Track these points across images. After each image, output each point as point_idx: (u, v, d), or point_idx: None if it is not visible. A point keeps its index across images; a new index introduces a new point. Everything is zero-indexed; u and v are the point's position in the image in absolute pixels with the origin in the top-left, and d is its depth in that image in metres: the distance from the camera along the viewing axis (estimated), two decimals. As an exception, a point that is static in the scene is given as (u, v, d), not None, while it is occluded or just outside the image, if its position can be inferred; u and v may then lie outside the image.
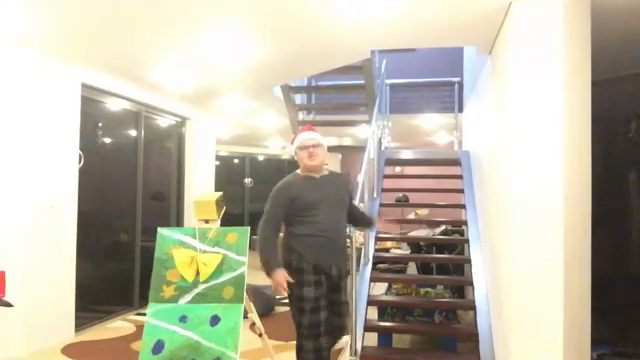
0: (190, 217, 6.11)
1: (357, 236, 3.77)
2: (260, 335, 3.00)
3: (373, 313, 4.27)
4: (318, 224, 2.71)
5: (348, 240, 3.00)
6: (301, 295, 2.68)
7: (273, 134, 8.90)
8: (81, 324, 4.48)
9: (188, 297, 2.64)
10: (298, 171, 2.87)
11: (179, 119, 6.22)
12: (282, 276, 2.61)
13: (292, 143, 2.89)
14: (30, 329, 3.85)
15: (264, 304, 4.97)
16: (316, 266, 2.69)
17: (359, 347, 3.48)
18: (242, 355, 2.66)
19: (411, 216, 7.73)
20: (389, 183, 5.68)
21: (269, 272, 2.64)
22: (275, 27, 3.39)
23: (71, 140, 4.29)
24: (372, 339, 3.94)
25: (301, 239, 2.72)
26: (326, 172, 2.88)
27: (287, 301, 2.80)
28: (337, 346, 2.86)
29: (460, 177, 5.32)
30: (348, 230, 3.04)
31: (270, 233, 2.70)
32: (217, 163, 8.00)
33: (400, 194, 8.08)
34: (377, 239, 4.69)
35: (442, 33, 3.49)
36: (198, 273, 2.67)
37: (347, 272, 2.94)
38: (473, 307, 3.96)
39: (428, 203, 6.19)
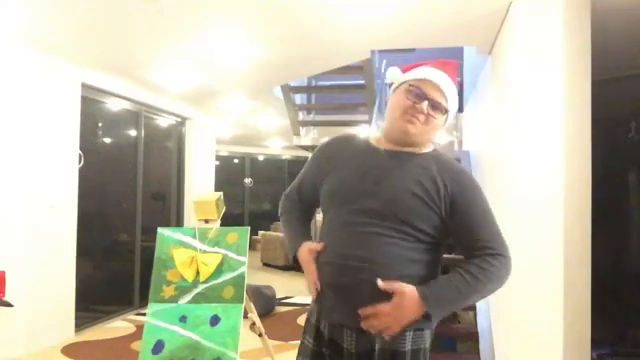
0: (190, 217, 6.12)
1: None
2: (260, 335, 3.00)
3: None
4: (330, 239, 1.43)
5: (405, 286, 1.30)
6: None
7: (273, 134, 8.91)
8: (81, 324, 4.48)
9: (188, 297, 2.64)
10: (372, 137, 1.54)
11: (179, 119, 6.22)
12: (305, 257, 1.46)
13: (404, 71, 1.48)
14: (30, 329, 3.85)
15: (264, 304, 4.98)
16: (319, 324, 1.46)
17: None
18: (242, 355, 2.67)
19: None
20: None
21: (293, 259, 1.54)
22: (275, 27, 3.39)
23: (71, 140, 4.29)
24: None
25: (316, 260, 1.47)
26: (423, 150, 1.45)
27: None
28: None
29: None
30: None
31: (286, 206, 1.65)
32: (217, 163, 8.01)
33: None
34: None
35: (442, 33, 3.48)
36: (198, 273, 2.67)
37: (395, 354, 1.35)
38: (473, 307, 3.96)
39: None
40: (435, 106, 1.38)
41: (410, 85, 1.39)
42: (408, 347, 1.35)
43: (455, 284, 1.30)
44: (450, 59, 1.50)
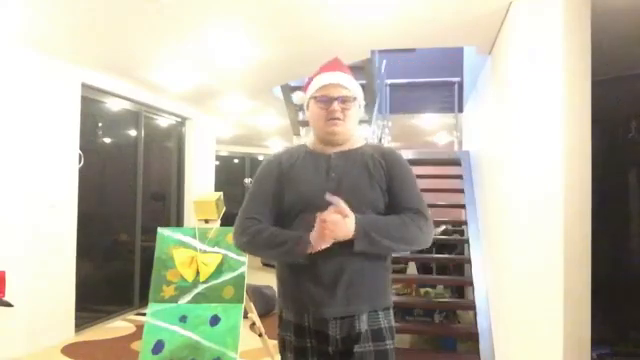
0: (190, 217, 6.12)
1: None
2: (260, 335, 3.00)
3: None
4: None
5: (381, 266, 1.57)
6: None
7: (273, 134, 8.91)
8: (81, 324, 4.48)
9: (188, 297, 2.64)
10: (307, 142, 1.69)
11: (179, 119, 6.22)
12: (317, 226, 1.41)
13: (305, 90, 1.68)
14: (30, 329, 3.85)
15: (264, 304, 4.98)
16: (298, 318, 1.55)
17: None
18: (242, 355, 2.67)
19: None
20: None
21: (300, 249, 1.45)
22: (275, 27, 3.39)
23: (71, 140, 4.29)
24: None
25: (280, 265, 1.62)
26: (357, 145, 1.65)
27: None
28: None
29: (460, 177, 5.32)
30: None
31: (256, 228, 1.54)
32: (217, 163, 8.01)
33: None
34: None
35: (442, 33, 3.48)
36: (198, 273, 2.67)
37: (377, 331, 1.52)
38: (473, 307, 3.96)
39: (428, 203, 6.17)
40: (343, 100, 1.57)
41: (316, 97, 1.59)
42: (385, 324, 1.55)
43: (386, 220, 1.50)
44: (332, 58, 1.70)
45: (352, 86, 1.60)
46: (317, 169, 1.57)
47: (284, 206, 1.55)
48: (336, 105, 1.55)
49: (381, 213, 1.53)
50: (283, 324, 1.60)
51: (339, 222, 1.39)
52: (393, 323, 1.59)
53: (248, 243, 1.56)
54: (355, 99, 1.60)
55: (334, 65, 1.64)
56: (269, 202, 1.58)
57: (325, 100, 1.56)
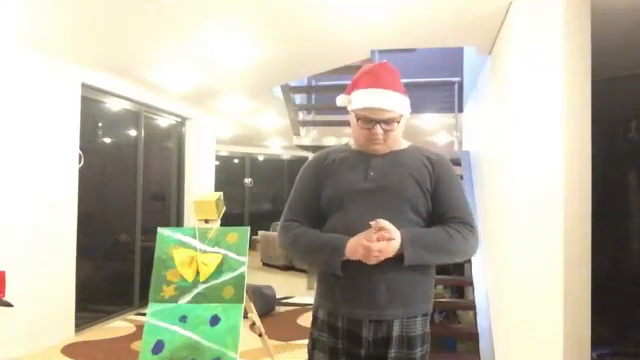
0: (190, 217, 6.12)
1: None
2: (260, 335, 3.00)
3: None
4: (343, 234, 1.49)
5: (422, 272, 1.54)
6: None
7: (273, 134, 8.91)
8: (81, 324, 4.48)
9: (188, 297, 2.64)
10: (350, 141, 1.67)
11: (179, 119, 6.22)
12: (355, 244, 1.43)
13: (348, 93, 1.59)
14: (30, 329, 3.85)
15: (264, 304, 4.98)
16: (333, 318, 1.55)
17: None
18: (242, 355, 2.66)
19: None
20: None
21: (335, 262, 1.46)
22: (275, 27, 3.39)
23: (71, 140, 4.29)
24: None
25: None
26: (402, 146, 1.62)
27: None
28: None
29: (460, 177, 5.32)
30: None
31: (296, 231, 1.58)
32: (217, 163, 8.01)
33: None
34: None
35: (442, 33, 3.48)
36: (198, 273, 2.67)
37: (411, 338, 1.52)
38: (473, 307, 3.96)
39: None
40: (387, 122, 1.52)
41: (355, 113, 1.54)
42: (419, 331, 1.54)
43: (432, 234, 1.49)
44: (382, 61, 1.63)
45: (397, 106, 1.51)
46: (356, 167, 1.55)
47: (322, 202, 1.56)
48: (379, 129, 1.51)
49: (420, 213, 1.52)
50: (318, 323, 1.59)
51: (384, 248, 1.40)
52: (428, 328, 1.59)
53: (290, 246, 1.59)
54: (397, 119, 1.53)
55: (381, 80, 1.52)
56: (308, 202, 1.60)
57: (367, 121, 1.51)
